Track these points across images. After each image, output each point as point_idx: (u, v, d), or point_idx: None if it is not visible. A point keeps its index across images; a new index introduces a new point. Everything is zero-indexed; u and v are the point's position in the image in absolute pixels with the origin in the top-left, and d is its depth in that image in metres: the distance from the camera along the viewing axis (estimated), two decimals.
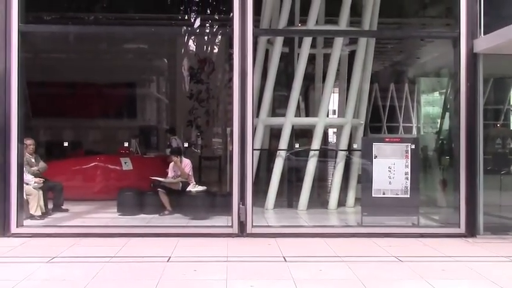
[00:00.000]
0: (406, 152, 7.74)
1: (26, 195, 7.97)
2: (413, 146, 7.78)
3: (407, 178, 7.69)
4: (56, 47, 15.03)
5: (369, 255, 6.27)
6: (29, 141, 8.47)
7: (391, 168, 7.71)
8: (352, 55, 10.01)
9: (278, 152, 9.48)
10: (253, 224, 7.22)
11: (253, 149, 7.41)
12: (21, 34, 7.14)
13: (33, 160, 8.71)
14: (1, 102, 7.02)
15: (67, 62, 16.46)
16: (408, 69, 18.72)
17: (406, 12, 12.54)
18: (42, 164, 8.88)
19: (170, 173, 9.20)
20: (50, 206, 8.91)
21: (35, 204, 8.19)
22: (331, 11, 10.12)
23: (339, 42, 9.45)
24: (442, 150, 10.86)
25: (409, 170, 7.70)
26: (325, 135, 13.58)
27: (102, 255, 6.02)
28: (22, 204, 7.42)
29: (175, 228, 7.57)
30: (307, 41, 9.41)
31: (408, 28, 12.96)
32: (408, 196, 7.67)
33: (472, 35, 7.36)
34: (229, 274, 5.30)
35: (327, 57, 10.07)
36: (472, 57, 7.36)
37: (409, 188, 7.67)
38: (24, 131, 7.51)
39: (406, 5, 12.31)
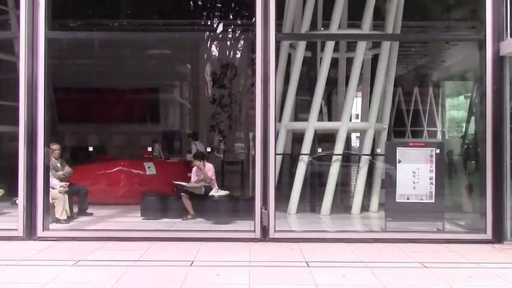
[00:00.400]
0: (431, 156, 7.65)
1: (52, 199, 8.11)
2: (438, 151, 7.69)
3: (432, 183, 7.61)
4: (80, 53, 15.27)
5: (393, 261, 6.20)
6: (54, 146, 8.62)
7: (415, 173, 7.64)
8: (375, 59, 9.95)
9: (301, 156, 9.46)
10: (276, 229, 7.20)
11: (275, 154, 7.40)
12: (48, 41, 7.26)
13: (58, 165, 8.86)
14: (28, 108, 7.15)
15: (91, 67, 16.73)
16: (432, 73, 18.50)
17: (430, 15, 12.41)
18: (67, 169, 9.03)
19: (193, 178, 9.25)
20: (75, 209, 9.05)
21: (61, 208, 8.33)
22: (354, 15, 10.08)
23: (362, 46, 9.39)
24: (467, 155, 10.68)
25: (433, 174, 7.61)
26: (348, 139, 13.50)
27: (126, 259, 6.08)
28: (48, 208, 7.53)
29: (198, 233, 7.60)
30: (330, 45, 9.37)
31: (432, 31, 12.82)
32: (433, 201, 7.59)
33: (498, 38, 7.23)
34: (252, 279, 5.30)
35: (349, 61, 10.03)
36: (498, 60, 7.23)
37: (433, 193, 7.59)
38: (50, 136, 7.62)
39: (430, 8, 12.20)
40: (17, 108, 7.22)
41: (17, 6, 7.69)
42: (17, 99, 7.21)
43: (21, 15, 7.20)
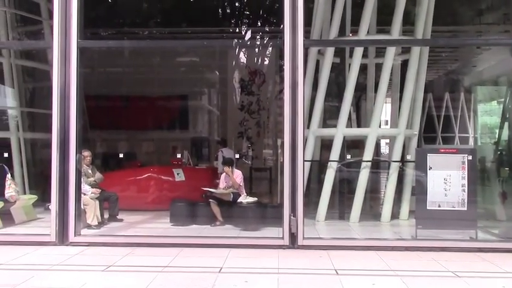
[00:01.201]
0: (463, 163, 7.51)
1: (83, 205, 8.24)
2: (470, 157, 7.54)
3: (464, 190, 7.46)
4: (111, 61, 15.55)
5: (424, 269, 6.09)
6: (86, 153, 8.78)
7: (446, 180, 7.50)
8: (405, 64, 9.84)
9: (329, 163, 9.40)
10: (304, 236, 7.15)
11: (304, 160, 7.35)
12: (80, 50, 7.39)
13: (90, 171, 9.01)
14: (61, 116, 7.28)
15: (121, 75, 17.02)
16: (464, 78, 18.22)
17: (461, 20, 12.23)
18: (98, 175, 9.18)
19: (221, 184, 9.28)
20: (106, 215, 9.18)
21: (92, 214, 8.47)
22: (383, 20, 10.01)
23: (391, 51, 9.31)
24: (501, 161, 10.46)
25: (466, 181, 7.46)
26: (378, 146, 13.37)
27: (156, 264, 6.14)
28: (80, 214, 7.64)
29: (226, 239, 7.60)
30: (359, 51, 9.32)
31: (464, 36, 12.62)
32: (465, 209, 7.43)
33: None
34: (281, 286, 5.28)
35: (379, 67, 9.94)
36: None
37: (466, 200, 7.44)
38: (82, 143, 7.75)
39: (461, 12, 12.02)
40: (50, 116, 7.38)
41: (51, 17, 7.89)
42: (50, 107, 7.36)
43: (54, 25, 7.36)
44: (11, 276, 5.57)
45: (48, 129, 7.41)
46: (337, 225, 9.16)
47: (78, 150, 7.43)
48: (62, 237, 7.28)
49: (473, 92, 18.20)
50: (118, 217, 9.30)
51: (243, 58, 16.24)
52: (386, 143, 13.44)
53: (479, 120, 18.61)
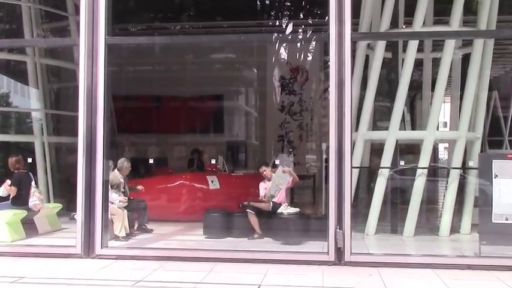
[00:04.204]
0: None
1: (111, 214, 8.39)
2: None
3: None
4: (140, 59, 15.83)
5: None
6: (127, 164, 9.30)
7: None
8: (466, 59, 9.66)
9: (380, 170, 9.31)
10: (352, 251, 7.09)
11: (351, 167, 7.32)
12: (108, 47, 7.55)
13: (122, 180, 9.21)
14: (88, 118, 7.44)
15: (151, 74, 17.31)
16: None
17: None
18: (128, 186, 9.42)
19: (262, 192, 9.27)
20: (135, 225, 9.35)
21: (120, 225, 8.63)
22: (441, 10, 9.85)
23: (450, 44, 9.15)
24: None
25: None
26: (435, 151, 13.15)
27: (188, 280, 6.19)
28: (107, 224, 7.79)
29: (265, 254, 7.60)
30: (413, 44, 9.20)
31: None
32: None
33: None
34: None
35: (436, 62, 9.80)
36: None
37: None
38: (110, 147, 7.89)
39: None
40: (76, 118, 7.55)
41: (77, 12, 8.10)
42: (76, 109, 7.54)
43: (81, 21, 7.56)
44: None
45: (74, 133, 7.59)
46: (389, 239, 9.06)
47: (106, 155, 7.56)
48: (88, 250, 7.43)
49: None
50: (147, 227, 9.45)
51: (283, 54, 16.24)
52: (445, 148, 13.21)
53: None
